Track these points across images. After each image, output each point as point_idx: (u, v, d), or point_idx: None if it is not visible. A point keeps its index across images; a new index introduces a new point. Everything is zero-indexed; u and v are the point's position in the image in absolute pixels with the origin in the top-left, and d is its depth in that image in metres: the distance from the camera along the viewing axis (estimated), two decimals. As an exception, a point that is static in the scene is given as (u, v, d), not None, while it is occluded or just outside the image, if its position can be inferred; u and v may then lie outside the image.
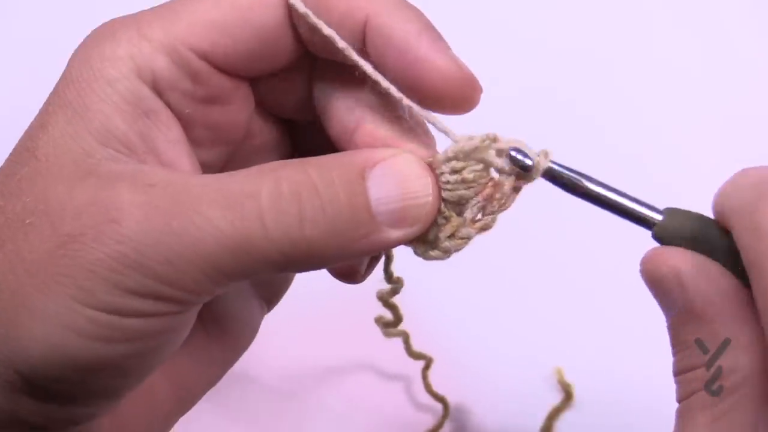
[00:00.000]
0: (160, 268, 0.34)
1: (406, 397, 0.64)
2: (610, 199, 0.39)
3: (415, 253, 0.41)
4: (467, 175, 0.39)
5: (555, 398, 0.63)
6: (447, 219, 0.40)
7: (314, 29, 0.39)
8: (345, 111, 0.41)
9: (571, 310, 0.67)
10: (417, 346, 0.55)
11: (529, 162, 0.39)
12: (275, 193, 0.36)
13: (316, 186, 0.36)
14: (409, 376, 0.65)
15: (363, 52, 0.39)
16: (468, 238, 0.40)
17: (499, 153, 0.39)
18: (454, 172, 0.39)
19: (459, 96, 0.38)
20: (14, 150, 0.39)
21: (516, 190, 0.40)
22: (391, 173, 0.38)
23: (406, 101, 0.39)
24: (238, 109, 0.42)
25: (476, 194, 0.39)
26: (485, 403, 0.63)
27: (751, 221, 0.34)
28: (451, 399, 0.62)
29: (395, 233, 0.38)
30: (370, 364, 0.64)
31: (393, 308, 0.48)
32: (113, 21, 0.40)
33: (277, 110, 0.45)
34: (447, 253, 0.40)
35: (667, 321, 0.38)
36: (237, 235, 0.35)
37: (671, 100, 0.78)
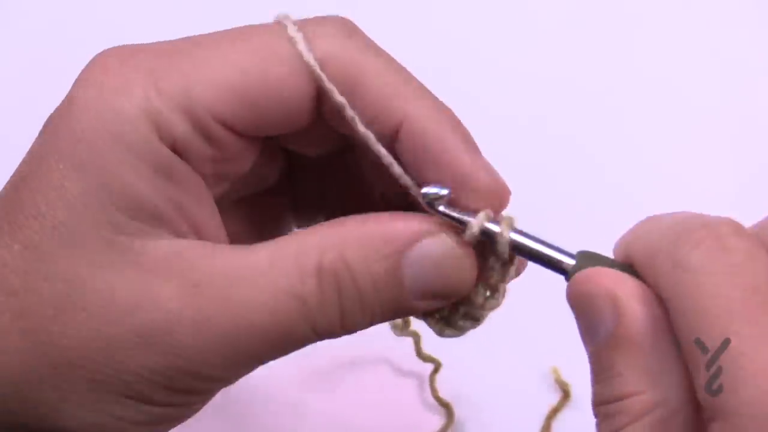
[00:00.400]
0: (211, 372, 0.36)
1: (418, 397, 0.64)
2: (523, 246, 0.38)
3: (430, 326, 0.41)
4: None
5: (553, 398, 0.62)
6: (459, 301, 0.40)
7: (343, 120, 0.38)
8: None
9: (566, 308, 0.66)
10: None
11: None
12: (317, 294, 0.36)
13: (355, 278, 0.37)
14: (422, 375, 0.65)
15: (391, 150, 0.38)
16: (482, 319, 0.41)
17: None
18: None
19: (491, 206, 0.38)
20: (19, 201, 0.36)
21: (504, 264, 0.39)
22: (430, 262, 0.37)
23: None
24: (249, 157, 0.41)
25: (482, 275, 0.39)
26: (483, 403, 0.63)
27: (672, 260, 0.33)
28: (449, 398, 0.62)
29: (425, 304, 0.39)
30: (383, 360, 0.64)
31: None
32: (119, 57, 0.37)
33: (286, 145, 0.44)
34: (462, 331, 0.41)
35: (589, 347, 0.36)
36: (282, 333, 0.37)
37: (666, 106, 0.78)
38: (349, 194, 0.46)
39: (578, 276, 0.36)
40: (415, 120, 0.38)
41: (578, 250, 0.37)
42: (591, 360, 0.35)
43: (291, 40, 0.37)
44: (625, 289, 0.34)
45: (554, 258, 0.38)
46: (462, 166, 0.38)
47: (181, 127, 0.37)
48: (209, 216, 0.39)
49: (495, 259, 0.39)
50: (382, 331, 0.49)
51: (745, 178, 0.72)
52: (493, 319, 0.65)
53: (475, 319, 0.41)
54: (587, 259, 0.37)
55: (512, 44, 0.77)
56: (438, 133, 0.38)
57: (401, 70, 0.39)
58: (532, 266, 0.69)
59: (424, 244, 0.37)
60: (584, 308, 0.36)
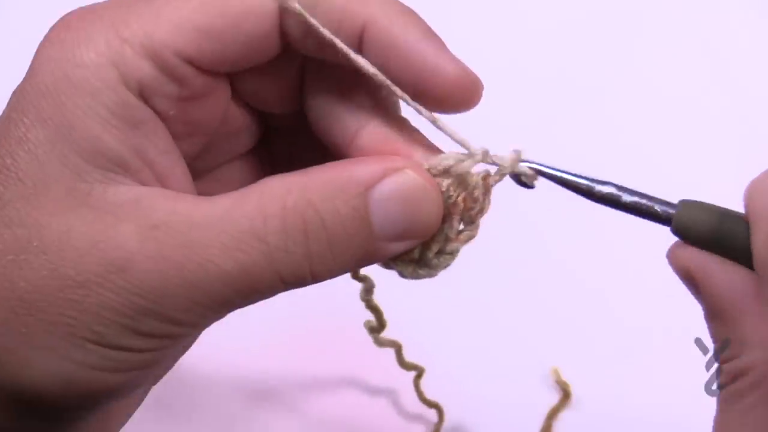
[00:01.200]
0: (176, 314, 0.35)
1: (395, 410, 0.64)
2: (622, 201, 0.39)
3: (402, 275, 0.40)
4: (444, 191, 0.39)
5: (553, 398, 0.62)
6: (431, 236, 0.39)
7: (308, 33, 0.38)
8: (345, 114, 0.40)
9: (566, 308, 0.66)
10: (412, 348, 0.55)
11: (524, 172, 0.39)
12: (281, 233, 0.36)
13: (322, 218, 0.36)
14: (396, 389, 0.64)
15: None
16: (455, 252, 0.40)
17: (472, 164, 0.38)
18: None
19: (464, 98, 0.38)
20: None
21: (487, 190, 0.39)
22: (396, 195, 0.37)
23: (412, 103, 0.38)
24: (217, 102, 0.41)
25: (453, 208, 0.39)
26: (484, 404, 0.63)
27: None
28: (449, 400, 0.62)
29: (395, 246, 0.38)
30: (356, 377, 0.64)
31: (375, 310, 0.47)
32: (79, 15, 0.38)
33: (255, 102, 0.43)
34: (435, 269, 0.40)
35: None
36: (246, 277, 0.35)
37: (674, 99, 0.78)
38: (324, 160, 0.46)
39: (667, 254, 0.38)
40: (378, 20, 0.38)
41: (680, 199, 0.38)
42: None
43: None
44: (700, 269, 0.37)
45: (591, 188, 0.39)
46: (428, 59, 0.37)
47: (146, 70, 0.37)
48: (174, 165, 0.39)
49: (480, 189, 0.39)
50: (355, 346, 0.48)
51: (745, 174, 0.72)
52: (493, 319, 0.65)
53: (450, 254, 0.40)
54: (688, 207, 0.38)
55: (512, 48, 0.77)
56: (401, 29, 0.38)
57: None
58: (531, 265, 0.68)
59: (390, 181, 0.37)
60: (683, 283, 0.38)
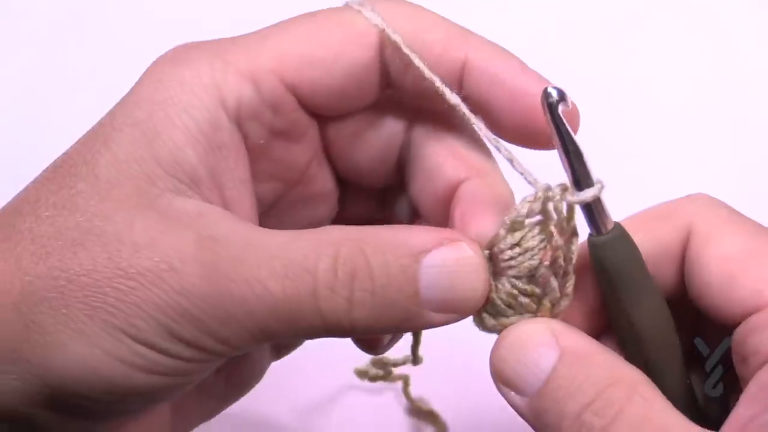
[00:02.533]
0: (214, 326, 0.36)
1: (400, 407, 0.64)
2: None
3: None
4: (528, 243, 0.38)
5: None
6: (536, 297, 0.38)
7: (407, 69, 0.39)
8: (449, 163, 0.41)
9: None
10: (406, 351, 0.55)
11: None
12: (331, 272, 0.36)
13: (371, 270, 0.36)
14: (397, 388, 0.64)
15: (459, 93, 0.39)
16: (565, 305, 0.39)
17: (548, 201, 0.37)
18: (515, 245, 0.37)
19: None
20: (69, 157, 0.38)
21: (572, 236, 0.38)
22: (446, 264, 0.37)
23: (491, 139, 0.39)
24: (305, 148, 0.42)
25: (542, 260, 0.38)
26: (483, 404, 0.63)
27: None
28: (447, 401, 0.62)
29: (438, 317, 0.38)
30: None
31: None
32: (187, 47, 0.39)
33: (347, 166, 0.44)
34: None
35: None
36: (288, 304, 0.36)
37: (672, 100, 0.78)
38: None
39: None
40: (478, 56, 0.39)
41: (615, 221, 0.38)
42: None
43: (353, 10, 0.39)
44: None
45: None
46: (533, 89, 0.38)
47: (246, 92, 0.38)
48: (243, 197, 0.40)
49: (560, 235, 0.38)
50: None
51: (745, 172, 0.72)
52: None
53: (561, 312, 0.39)
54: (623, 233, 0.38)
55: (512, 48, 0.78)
56: (503, 64, 0.39)
57: (454, 22, 0.41)
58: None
59: (443, 250, 0.37)
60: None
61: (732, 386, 0.38)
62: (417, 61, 0.39)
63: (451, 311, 0.38)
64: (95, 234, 0.35)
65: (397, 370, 0.59)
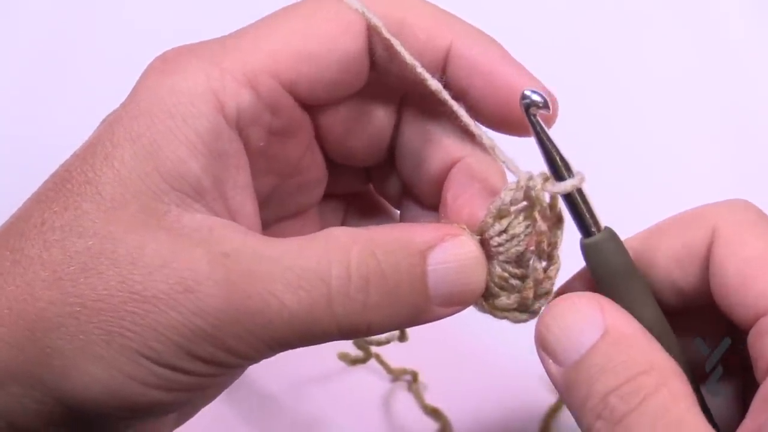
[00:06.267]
0: (231, 342, 0.36)
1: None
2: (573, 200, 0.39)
3: (510, 319, 0.41)
4: (515, 230, 0.39)
5: (553, 398, 0.62)
6: (521, 279, 0.40)
7: (393, 57, 0.40)
8: (438, 151, 0.43)
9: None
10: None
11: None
12: (344, 278, 0.37)
13: (384, 272, 0.37)
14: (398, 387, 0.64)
15: (441, 79, 0.40)
16: (551, 291, 0.40)
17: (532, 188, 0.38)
18: (502, 232, 0.39)
19: (544, 119, 0.39)
20: (70, 174, 0.38)
21: (557, 222, 0.39)
22: (451, 260, 0.38)
23: (474, 127, 0.40)
24: (299, 142, 0.43)
25: (528, 246, 0.39)
26: (483, 404, 0.63)
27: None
28: (447, 402, 0.62)
29: (443, 311, 0.39)
30: (373, 366, 0.63)
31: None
32: (179, 53, 0.39)
33: (338, 150, 0.45)
34: (537, 314, 0.40)
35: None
36: (304, 315, 0.36)
37: (670, 101, 0.78)
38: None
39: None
40: (462, 43, 0.40)
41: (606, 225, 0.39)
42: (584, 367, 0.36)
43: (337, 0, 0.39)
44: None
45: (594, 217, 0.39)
46: (510, 80, 0.39)
47: (245, 98, 0.38)
48: (246, 202, 0.40)
49: (543, 221, 0.39)
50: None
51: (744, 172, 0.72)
52: (493, 319, 0.65)
53: (546, 294, 0.40)
54: (612, 236, 0.39)
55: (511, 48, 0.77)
56: (484, 51, 0.40)
57: (439, 7, 0.41)
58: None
59: (447, 245, 0.38)
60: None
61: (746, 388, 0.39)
62: (398, 47, 0.39)
63: (457, 304, 0.39)
64: (106, 257, 0.36)
65: (404, 365, 0.60)
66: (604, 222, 0.39)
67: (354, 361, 0.61)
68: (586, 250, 0.38)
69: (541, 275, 0.39)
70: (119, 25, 0.82)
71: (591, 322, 0.36)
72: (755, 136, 0.75)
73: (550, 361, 0.37)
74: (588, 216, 0.38)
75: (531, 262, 0.39)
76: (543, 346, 0.37)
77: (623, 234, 0.40)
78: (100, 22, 0.82)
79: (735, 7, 0.83)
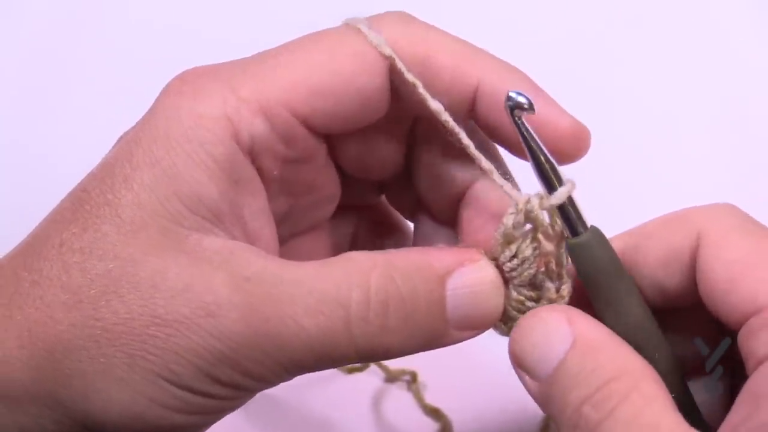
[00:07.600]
0: (250, 366, 0.36)
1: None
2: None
3: None
4: (524, 253, 0.39)
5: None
6: (536, 301, 0.40)
7: (413, 90, 0.39)
8: (456, 171, 0.43)
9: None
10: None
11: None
12: (364, 302, 0.37)
13: (403, 296, 0.37)
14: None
15: (470, 115, 0.40)
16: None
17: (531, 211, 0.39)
18: (513, 257, 0.39)
19: (577, 149, 0.40)
20: (88, 195, 0.38)
21: (561, 240, 0.39)
22: (469, 285, 0.39)
23: (474, 152, 0.40)
24: (315, 166, 0.42)
25: (538, 267, 0.40)
26: (483, 404, 0.63)
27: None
28: (447, 402, 0.62)
29: (461, 335, 0.40)
30: (372, 366, 0.63)
31: None
32: (197, 73, 0.39)
33: (354, 166, 0.45)
34: None
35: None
36: (323, 338, 0.37)
37: (670, 100, 0.78)
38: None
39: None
40: (490, 80, 0.39)
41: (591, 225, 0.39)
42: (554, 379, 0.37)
43: (359, 32, 0.39)
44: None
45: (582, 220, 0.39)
46: (542, 113, 0.38)
47: (259, 127, 0.38)
48: (264, 227, 0.40)
49: (547, 240, 0.39)
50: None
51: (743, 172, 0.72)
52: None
53: None
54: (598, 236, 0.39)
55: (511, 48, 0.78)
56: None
57: (466, 42, 0.41)
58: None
59: (465, 270, 0.39)
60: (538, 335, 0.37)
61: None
62: (411, 78, 0.39)
63: (475, 328, 0.40)
64: (127, 281, 0.36)
65: (403, 366, 0.60)
66: (590, 221, 0.39)
67: (351, 370, 0.61)
68: (573, 250, 0.39)
69: (554, 295, 0.40)
70: (119, 24, 0.82)
71: (559, 334, 0.36)
72: (751, 136, 0.75)
73: (527, 377, 0.37)
74: (574, 216, 0.38)
75: (543, 283, 0.40)
76: (517, 363, 0.38)
77: (612, 234, 0.40)
78: (101, 21, 0.82)
79: (735, 7, 0.83)
